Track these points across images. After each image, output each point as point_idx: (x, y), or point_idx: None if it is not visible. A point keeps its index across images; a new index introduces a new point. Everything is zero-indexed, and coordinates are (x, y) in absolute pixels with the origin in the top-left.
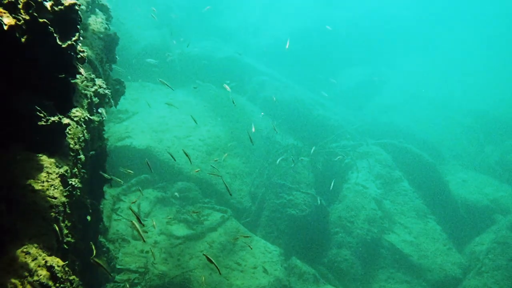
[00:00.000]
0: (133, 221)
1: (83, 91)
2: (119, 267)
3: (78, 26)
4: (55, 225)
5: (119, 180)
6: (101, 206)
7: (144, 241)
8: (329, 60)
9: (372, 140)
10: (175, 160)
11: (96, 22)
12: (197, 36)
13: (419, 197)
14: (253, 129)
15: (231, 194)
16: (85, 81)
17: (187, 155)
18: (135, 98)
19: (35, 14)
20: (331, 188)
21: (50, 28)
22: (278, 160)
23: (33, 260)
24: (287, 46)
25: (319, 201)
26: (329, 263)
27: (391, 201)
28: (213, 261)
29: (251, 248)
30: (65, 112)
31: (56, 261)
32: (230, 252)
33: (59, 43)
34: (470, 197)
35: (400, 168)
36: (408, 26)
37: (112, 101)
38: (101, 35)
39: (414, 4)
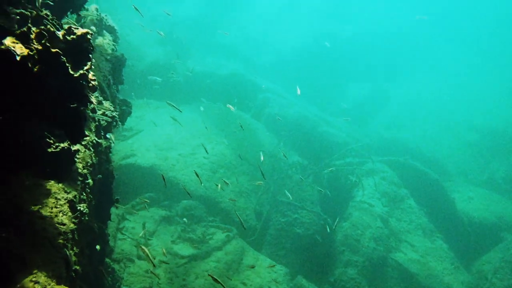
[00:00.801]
0: (142, 247)
1: (91, 114)
2: (125, 287)
3: (90, 55)
4: (64, 252)
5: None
6: (107, 227)
7: (154, 266)
8: (334, 76)
9: (378, 157)
10: (165, 184)
11: (103, 43)
12: (201, 53)
13: (425, 215)
14: (262, 158)
15: (245, 228)
16: (93, 105)
17: (197, 176)
18: (140, 116)
19: (47, 44)
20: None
21: (62, 58)
22: (282, 178)
23: None
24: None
25: (325, 221)
26: (336, 282)
27: (397, 219)
28: (220, 281)
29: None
30: (77, 142)
31: None
32: (235, 271)
33: (71, 72)
34: (477, 215)
35: (406, 185)
36: (413, 42)
37: (119, 123)
38: (108, 57)
39: (418, 20)
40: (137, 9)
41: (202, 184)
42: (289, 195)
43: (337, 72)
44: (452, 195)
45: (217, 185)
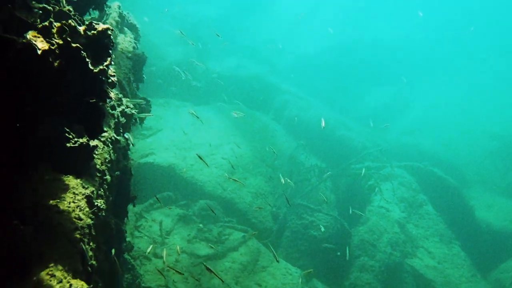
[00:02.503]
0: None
1: (110, 111)
2: (143, 285)
3: (110, 51)
4: (80, 246)
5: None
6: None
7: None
8: (354, 80)
9: (396, 162)
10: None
11: (124, 41)
12: (222, 53)
13: (443, 222)
14: (283, 181)
15: (257, 232)
16: (113, 101)
17: (201, 158)
18: (160, 115)
19: (68, 39)
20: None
21: (82, 53)
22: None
23: (58, 283)
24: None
25: (342, 224)
26: (351, 286)
27: (414, 225)
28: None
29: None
30: (95, 137)
31: (80, 285)
32: (251, 272)
33: (91, 67)
34: (496, 223)
35: (424, 191)
36: (433, 47)
37: (138, 121)
38: (129, 54)
39: (440, 26)
40: (165, 11)
41: (218, 184)
42: (306, 198)
43: (357, 77)
44: (471, 203)
45: (233, 179)
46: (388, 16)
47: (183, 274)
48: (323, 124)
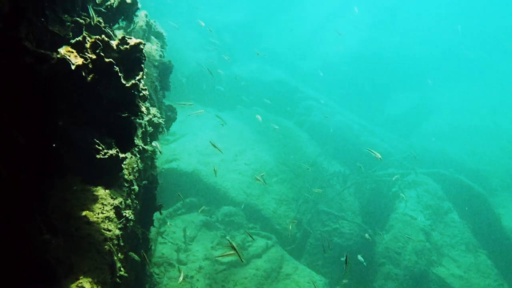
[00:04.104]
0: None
1: (138, 120)
2: None
3: (142, 65)
4: (109, 258)
5: None
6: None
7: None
8: (378, 85)
9: (421, 169)
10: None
11: (151, 49)
12: (245, 58)
13: (469, 230)
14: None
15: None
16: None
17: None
18: (183, 120)
19: (101, 53)
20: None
21: (115, 68)
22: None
23: None
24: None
25: (367, 235)
26: None
27: (439, 233)
28: None
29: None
30: (126, 151)
31: None
32: (274, 280)
33: (123, 82)
34: None
35: (450, 199)
36: (459, 52)
37: (165, 129)
38: (156, 63)
39: (466, 30)
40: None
41: (241, 190)
42: (330, 204)
43: (382, 81)
44: (498, 210)
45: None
46: (414, 21)
47: None
48: (378, 156)
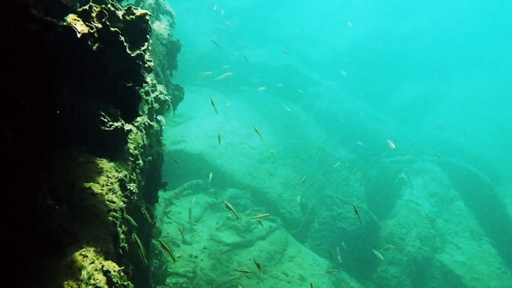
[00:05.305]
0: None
1: (144, 96)
2: (170, 270)
3: (148, 36)
4: (112, 229)
5: None
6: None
7: None
8: (387, 73)
9: (428, 156)
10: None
11: (160, 27)
12: (254, 42)
13: (474, 218)
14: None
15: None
16: (147, 87)
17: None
18: (192, 102)
19: (107, 23)
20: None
21: (120, 37)
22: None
23: (90, 264)
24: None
25: (371, 217)
26: (378, 279)
27: (444, 220)
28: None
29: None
30: (130, 121)
31: (112, 266)
32: (278, 262)
33: (129, 52)
34: None
35: (456, 187)
36: (469, 41)
37: (171, 107)
38: (164, 41)
39: (475, 20)
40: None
41: (248, 173)
42: (336, 189)
43: (390, 70)
44: (503, 200)
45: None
46: (424, 9)
47: None
48: (393, 146)
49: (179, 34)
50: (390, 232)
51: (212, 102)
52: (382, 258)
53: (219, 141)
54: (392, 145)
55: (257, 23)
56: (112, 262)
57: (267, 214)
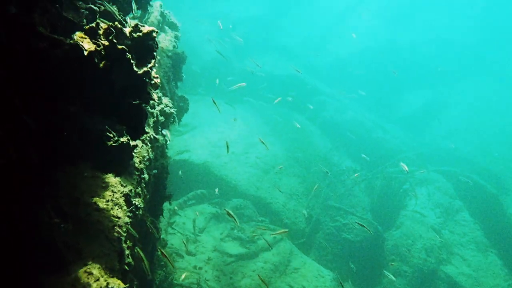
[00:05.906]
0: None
1: (149, 109)
2: (175, 282)
3: (155, 53)
4: (118, 245)
5: None
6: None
7: None
8: (392, 82)
9: (433, 166)
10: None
11: (165, 40)
12: (259, 51)
13: (480, 229)
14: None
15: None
16: (153, 101)
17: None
18: (196, 112)
19: (114, 40)
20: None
21: (127, 55)
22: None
23: (95, 281)
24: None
25: (376, 228)
26: None
27: (450, 231)
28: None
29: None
30: (136, 138)
31: (117, 283)
32: (282, 273)
33: (135, 69)
34: None
35: (461, 197)
36: (474, 50)
37: (176, 120)
38: (169, 53)
39: (480, 28)
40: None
41: (252, 183)
42: (340, 200)
43: (395, 79)
44: (509, 210)
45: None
46: (426, 18)
47: None
48: (406, 169)
49: (183, 44)
50: (395, 243)
51: (213, 101)
52: (394, 279)
53: (227, 150)
54: (405, 168)
55: (262, 32)
56: (117, 280)
57: (286, 230)
